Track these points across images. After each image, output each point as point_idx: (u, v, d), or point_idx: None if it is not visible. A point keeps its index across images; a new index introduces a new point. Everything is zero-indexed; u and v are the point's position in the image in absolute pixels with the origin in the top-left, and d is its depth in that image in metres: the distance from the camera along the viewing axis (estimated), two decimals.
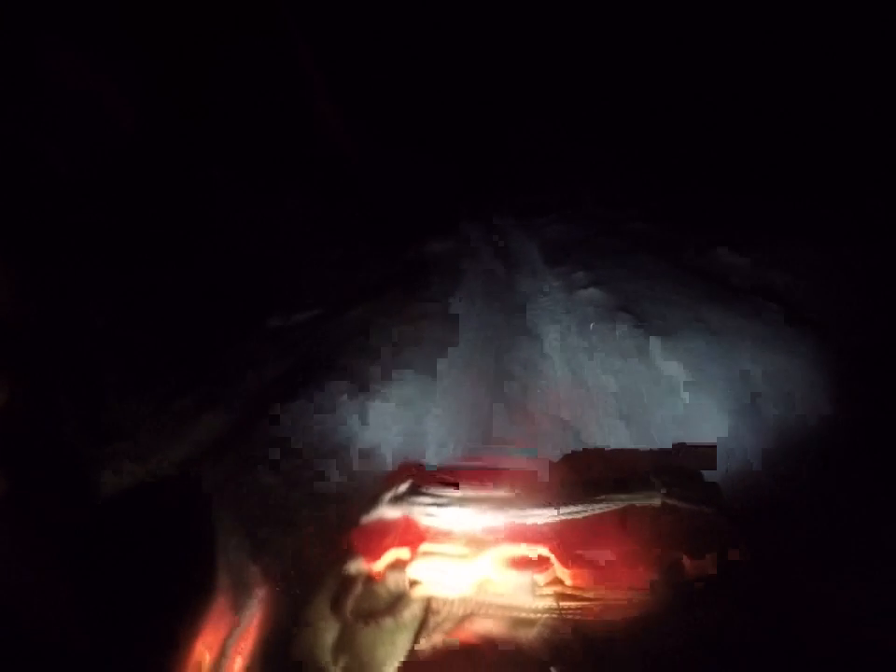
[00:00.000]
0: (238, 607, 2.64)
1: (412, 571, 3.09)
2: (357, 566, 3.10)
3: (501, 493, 3.26)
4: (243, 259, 7.22)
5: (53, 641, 1.99)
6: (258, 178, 8.15)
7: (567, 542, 3.08)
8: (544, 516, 3.14)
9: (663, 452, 3.52)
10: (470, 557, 3.06)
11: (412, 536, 3.17)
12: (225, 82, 8.28)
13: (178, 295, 6.45)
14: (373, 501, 3.35)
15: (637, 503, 3.18)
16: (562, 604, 2.93)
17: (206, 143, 7.82)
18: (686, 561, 2.99)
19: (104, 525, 2.50)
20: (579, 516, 3.14)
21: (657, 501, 3.19)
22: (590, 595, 2.95)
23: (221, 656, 2.39)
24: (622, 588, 2.94)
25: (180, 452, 4.02)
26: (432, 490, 3.31)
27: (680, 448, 3.54)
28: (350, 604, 3.00)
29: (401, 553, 3.12)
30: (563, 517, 3.14)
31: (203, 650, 2.18)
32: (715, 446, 3.54)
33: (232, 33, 8.25)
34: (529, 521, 3.13)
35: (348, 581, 3.07)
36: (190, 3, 7.80)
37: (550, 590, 2.97)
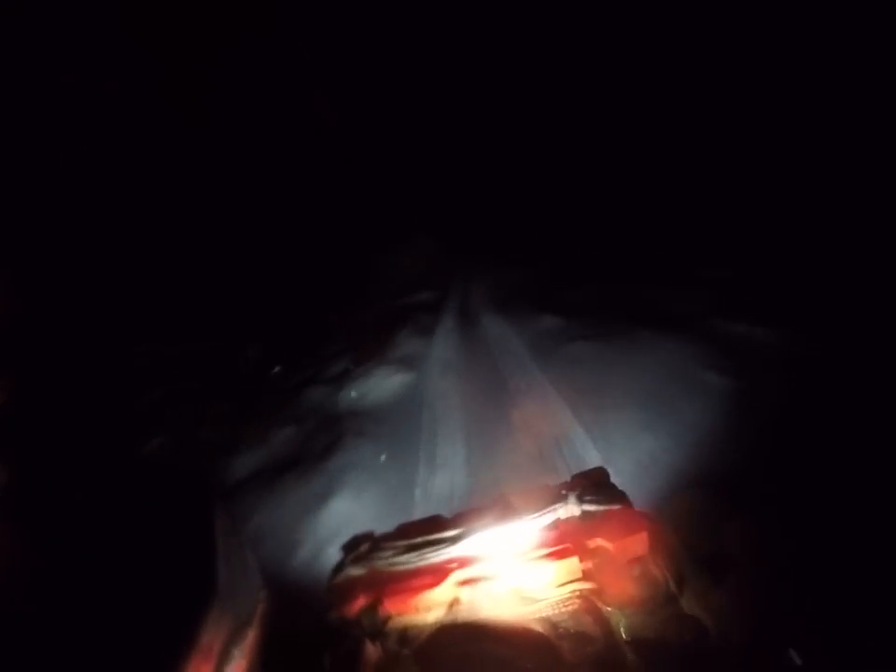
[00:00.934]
0: (239, 612, 2.65)
1: (383, 611, 3.33)
2: (332, 617, 3.28)
3: (450, 531, 3.75)
4: None
5: (51, 641, 1.98)
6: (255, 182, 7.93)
7: (511, 559, 3.57)
8: (487, 541, 3.66)
9: (565, 482, 4.19)
10: (433, 586, 3.41)
11: (379, 583, 3.49)
12: (225, 82, 8.52)
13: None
14: (338, 567, 3.64)
15: (561, 517, 3.81)
16: (524, 609, 3.32)
17: (206, 143, 7.78)
18: (611, 548, 3.58)
19: (103, 525, 2.53)
20: (516, 535, 3.69)
21: (577, 511, 3.83)
22: (545, 595, 3.39)
23: (221, 661, 2.37)
24: (568, 582, 3.43)
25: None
26: (390, 543, 3.71)
27: (578, 475, 4.22)
28: (328, 656, 3.12)
29: (371, 598, 3.40)
30: (503, 539, 3.67)
31: (203, 655, 2.21)
32: (603, 468, 4.12)
33: (232, 33, 8.87)
34: (475, 547, 3.63)
35: (325, 634, 3.21)
36: (190, 3, 8.48)
37: (509, 598, 3.37)
